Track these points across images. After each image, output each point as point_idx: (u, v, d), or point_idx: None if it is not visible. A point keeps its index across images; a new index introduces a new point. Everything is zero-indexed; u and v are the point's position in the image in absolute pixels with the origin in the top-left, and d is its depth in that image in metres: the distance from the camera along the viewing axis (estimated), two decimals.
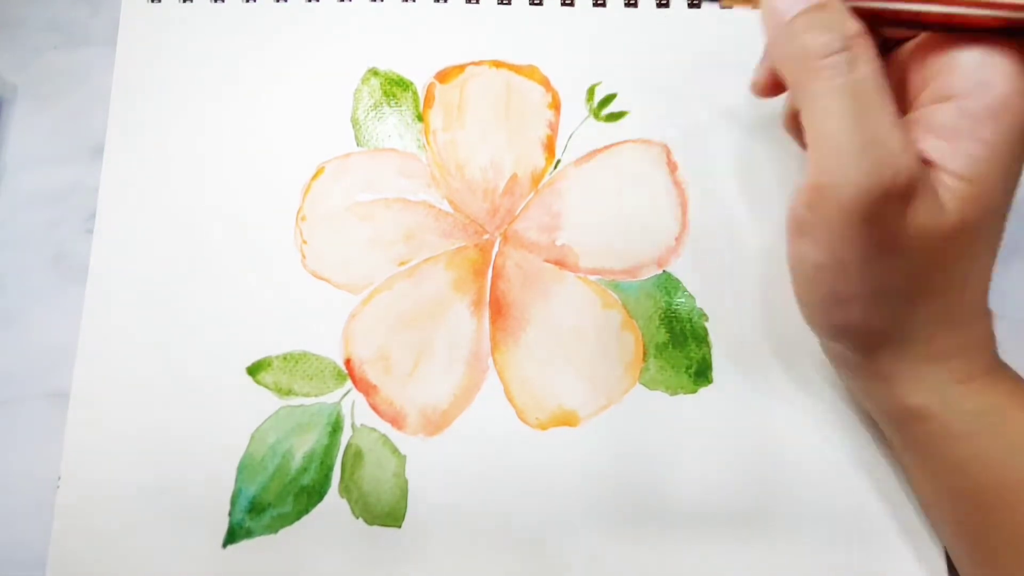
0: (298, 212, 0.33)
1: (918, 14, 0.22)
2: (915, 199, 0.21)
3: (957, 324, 0.25)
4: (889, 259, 0.23)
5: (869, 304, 0.24)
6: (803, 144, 0.25)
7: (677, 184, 0.33)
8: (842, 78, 0.21)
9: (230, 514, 0.30)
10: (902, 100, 0.23)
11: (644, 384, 0.31)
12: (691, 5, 0.35)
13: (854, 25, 0.22)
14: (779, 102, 0.29)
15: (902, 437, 0.27)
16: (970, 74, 0.22)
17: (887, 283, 0.23)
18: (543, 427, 0.30)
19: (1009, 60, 0.21)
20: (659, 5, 0.35)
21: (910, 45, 0.24)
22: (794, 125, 0.28)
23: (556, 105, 0.34)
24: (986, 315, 0.26)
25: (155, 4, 0.35)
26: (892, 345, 0.25)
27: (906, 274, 0.23)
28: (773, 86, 0.27)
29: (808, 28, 0.22)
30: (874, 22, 0.22)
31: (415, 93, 0.34)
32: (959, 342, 0.25)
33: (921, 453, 0.27)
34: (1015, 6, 0.20)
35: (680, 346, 0.31)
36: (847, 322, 0.25)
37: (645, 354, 0.31)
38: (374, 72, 0.34)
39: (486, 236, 0.32)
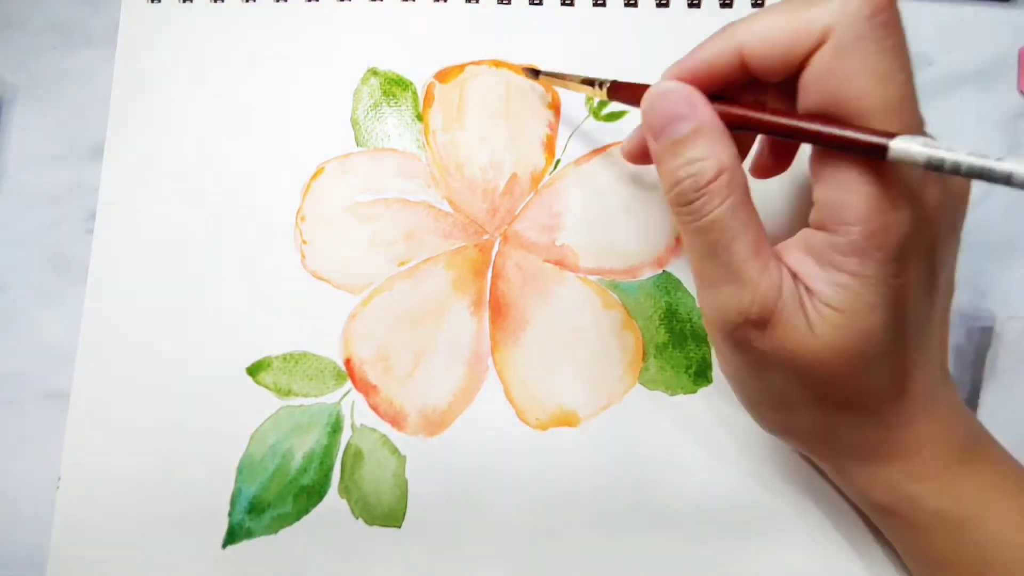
0: (298, 212, 0.33)
1: (787, 126, 0.22)
2: (774, 324, 0.22)
3: (895, 430, 0.24)
4: (771, 376, 0.24)
5: (781, 412, 0.25)
6: None
7: None
8: (695, 221, 0.23)
9: (230, 514, 0.30)
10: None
11: (644, 384, 0.31)
12: (691, 5, 0.35)
13: (713, 167, 0.22)
14: None
15: (881, 526, 0.28)
16: (836, 205, 0.21)
17: (785, 394, 0.24)
18: (543, 427, 0.30)
19: (868, 193, 0.21)
20: (659, 5, 0.35)
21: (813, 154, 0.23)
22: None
23: (556, 105, 0.34)
24: (938, 415, 0.25)
25: (155, 4, 0.35)
26: (829, 447, 0.26)
27: (799, 387, 0.23)
28: (641, 156, 0.28)
29: (672, 164, 0.23)
30: (752, 129, 0.23)
31: (415, 93, 0.34)
32: (901, 446, 0.24)
33: (899, 543, 0.27)
34: (867, 133, 0.20)
35: (680, 346, 0.31)
36: (775, 426, 0.26)
37: (645, 354, 0.31)
38: (374, 72, 0.34)
39: (486, 236, 0.32)
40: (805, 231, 0.23)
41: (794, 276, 0.23)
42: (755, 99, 0.25)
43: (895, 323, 0.22)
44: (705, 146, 0.22)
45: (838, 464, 0.26)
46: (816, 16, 0.21)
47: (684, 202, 0.23)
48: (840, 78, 0.21)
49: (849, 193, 0.21)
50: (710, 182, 0.22)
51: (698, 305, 0.25)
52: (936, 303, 0.24)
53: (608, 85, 0.28)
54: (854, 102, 0.20)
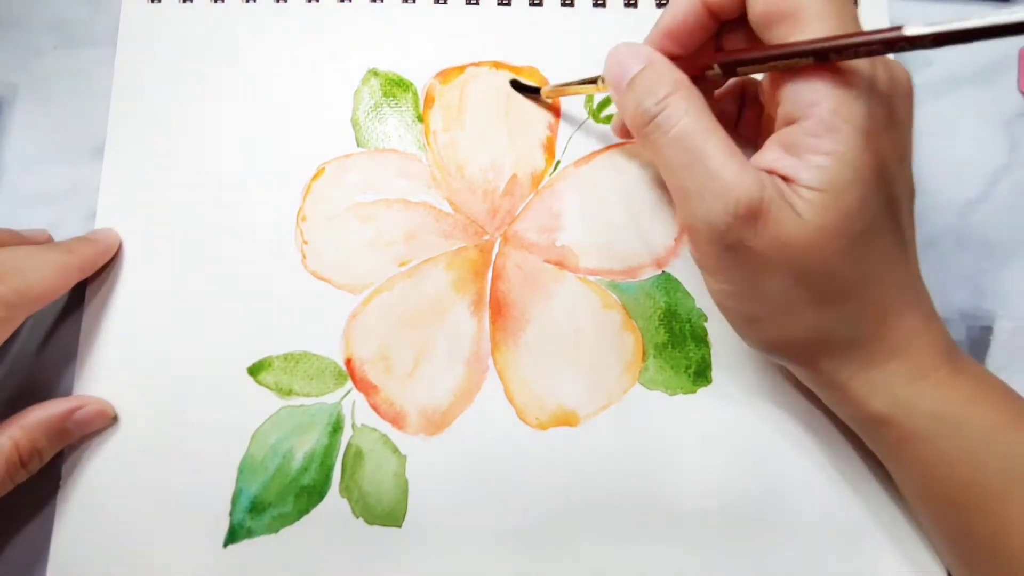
0: (299, 212, 0.33)
1: (746, 59, 0.24)
2: (764, 217, 0.23)
3: (885, 323, 0.25)
4: (768, 279, 0.24)
5: (780, 319, 0.25)
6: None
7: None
8: (665, 136, 0.24)
9: (231, 514, 0.30)
10: (771, 123, 0.26)
11: (643, 384, 0.31)
12: None
13: (668, 84, 0.24)
14: None
15: (873, 442, 0.28)
16: (803, 99, 0.23)
17: (783, 297, 0.24)
18: (543, 427, 0.30)
19: (830, 82, 0.23)
20: (659, 5, 0.35)
21: (766, 80, 0.27)
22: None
23: (556, 107, 0.34)
24: (921, 311, 0.26)
25: (155, 4, 0.35)
26: (827, 354, 0.26)
27: (795, 285, 0.24)
28: (626, 129, 0.29)
29: (633, 100, 0.25)
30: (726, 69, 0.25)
31: (415, 94, 0.34)
32: (897, 341, 0.25)
33: (892, 457, 0.27)
34: (818, 41, 0.22)
35: (679, 346, 0.31)
36: (769, 339, 0.26)
37: (644, 354, 0.31)
38: (374, 73, 0.34)
39: (486, 237, 0.32)
40: (773, 136, 0.25)
41: (770, 174, 0.24)
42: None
43: (874, 198, 0.24)
44: (657, 73, 0.25)
45: (834, 374, 0.26)
46: None
47: (649, 119, 0.24)
48: None
49: (814, 84, 0.23)
50: (668, 95, 0.24)
51: (680, 225, 0.26)
52: (904, 192, 0.25)
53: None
54: (796, 12, 0.23)
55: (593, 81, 0.29)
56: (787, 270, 0.24)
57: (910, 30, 0.21)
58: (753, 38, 0.26)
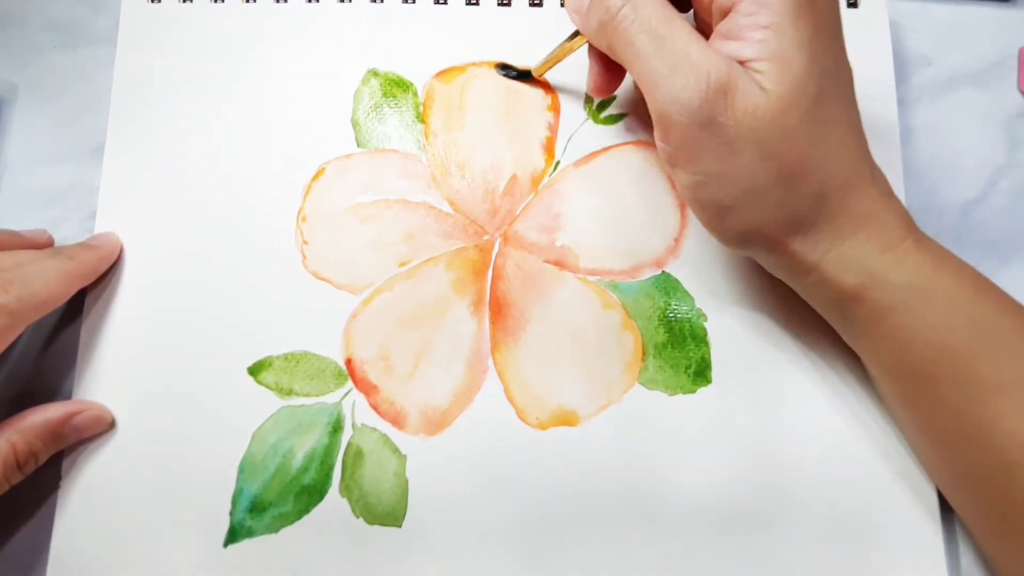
0: (299, 213, 0.33)
1: None
2: (734, 91, 0.24)
3: (848, 195, 0.26)
4: (738, 153, 0.25)
5: (751, 202, 0.26)
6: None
7: (676, 185, 0.33)
8: (632, 23, 0.25)
9: (231, 514, 0.30)
10: (709, 27, 0.27)
11: (643, 384, 0.31)
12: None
13: None
14: None
15: (846, 327, 0.28)
16: None
17: (752, 176, 0.25)
18: (543, 427, 0.30)
19: None
20: None
21: None
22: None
23: (555, 107, 0.34)
24: (879, 186, 0.27)
25: (155, 4, 0.35)
26: (799, 234, 0.26)
27: (763, 159, 0.25)
28: (607, 83, 0.31)
29: (598, 3, 0.26)
30: None
31: (415, 94, 0.34)
32: (861, 212, 0.26)
33: (864, 333, 0.28)
34: None
35: (679, 346, 0.31)
36: (742, 226, 0.27)
37: (644, 354, 0.31)
38: (374, 73, 0.34)
39: (486, 237, 0.32)
40: (715, 31, 0.26)
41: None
42: None
43: (819, 62, 0.25)
44: None
45: (807, 254, 0.26)
46: None
47: (615, 11, 0.26)
48: None
49: None
50: None
51: (652, 114, 0.26)
52: (844, 66, 0.27)
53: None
54: None
55: (572, 37, 0.30)
56: (756, 144, 0.25)
57: None
58: None
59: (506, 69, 0.34)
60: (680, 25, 0.25)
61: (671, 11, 0.26)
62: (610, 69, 0.30)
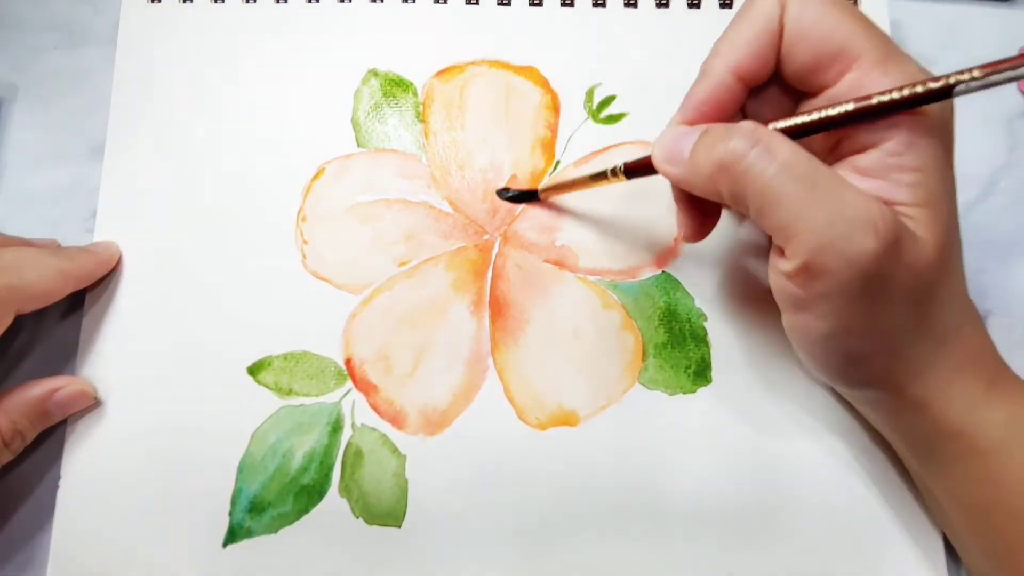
0: (299, 212, 0.33)
1: (826, 120, 0.24)
2: (901, 243, 0.22)
3: (963, 332, 0.25)
4: (894, 305, 0.23)
5: (887, 352, 0.24)
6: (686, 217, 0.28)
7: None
8: (772, 167, 0.22)
9: (230, 514, 0.30)
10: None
11: (643, 384, 0.31)
12: (691, 5, 0.35)
13: (749, 126, 0.23)
14: None
15: (931, 461, 0.27)
16: (880, 126, 0.23)
17: (900, 331, 0.24)
18: (543, 427, 0.30)
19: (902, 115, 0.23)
20: (659, 5, 0.35)
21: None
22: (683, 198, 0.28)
23: (555, 106, 0.34)
24: (977, 318, 0.26)
25: (155, 4, 0.35)
26: (919, 375, 0.25)
27: (914, 313, 0.24)
28: (705, 227, 0.28)
29: (712, 148, 0.23)
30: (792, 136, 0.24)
31: (415, 94, 0.34)
32: (969, 352, 0.25)
33: (949, 472, 0.26)
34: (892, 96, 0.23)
35: (679, 346, 0.31)
36: (869, 375, 0.25)
37: (644, 354, 0.31)
38: (374, 73, 0.34)
39: (486, 237, 0.32)
40: (841, 164, 0.24)
41: None
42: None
43: (955, 208, 0.24)
44: (726, 126, 0.24)
45: (921, 392, 0.25)
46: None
47: (741, 156, 0.23)
48: (816, 27, 0.24)
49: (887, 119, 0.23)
50: (756, 129, 0.23)
51: (799, 263, 0.22)
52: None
53: (623, 168, 0.28)
54: (841, 43, 0.24)
55: (602, 175, 0.29)
56: (909, 297, 0.23)
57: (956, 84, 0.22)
58: (776, 101, 0.26)
59: (507, 194, 0.33)
60: (825, 167, 0.22)
61: (808, 153, 0.23)
62: (706, 213, 0.28)
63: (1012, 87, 0.35)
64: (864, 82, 0.24)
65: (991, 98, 0.35)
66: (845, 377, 0.26)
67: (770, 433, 0.30)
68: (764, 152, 0.22)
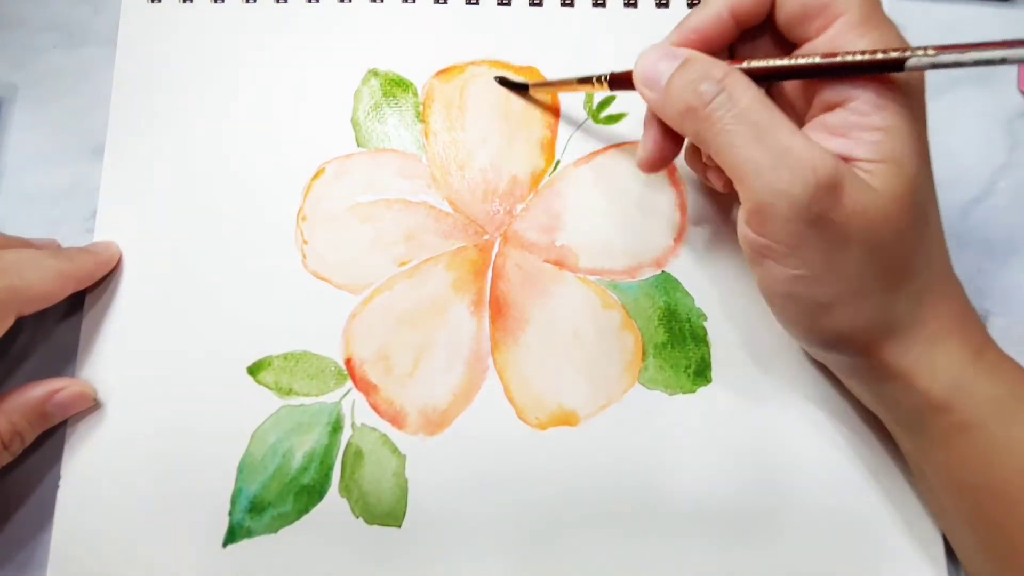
0: (299, 212, 0.33)
1: (793, 68, 0.25)
2: (844, 187, 0.23)
3: (940, 299, 0.26)
4: (845, 251, 0.24)
5: (852, 302, 0.25)
6: (704, 178, 0.30)
7: (676, 185, 0.33)
8: (730, 113, 0.24)
9: (230, 514, 0.30)
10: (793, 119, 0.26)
11: (643, 384, 0.31)
12: (690, 5, 0.35)
13: (721, 67, 0.25)
14: None
15: (918, 438, 0.27)
16: (848, 85, 0.24)
17: (857, 276, 0.24)
18: (543, 427, 0.30)
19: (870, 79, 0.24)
20: (659, 5, 0.35)
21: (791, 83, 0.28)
22: (695, 158, 0.30)
23: (555, 107, 0.34)
24: (961, 291, 0.26)
25: (155, 4, 0.35)
26: (893, 338, 0.25)
27: (871, 261, 0.24)
28: (660, 159, 0.29)
29: (684, 86, 0.25)
30: (758, 79, 0.25)
31: (415, 94, 0.34)
32: (952, 317, 0.26)
33: (939, 450, 0.26)
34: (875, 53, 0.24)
35: (679, 346, 0.31)
36: (838, 327, 0.26)
37: (644, 354, 0.31)
38: (374, 73, 0.34)
39: (486, 237, 0.32)
40: (814, 122, 0.25)
41: None
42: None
43: (925, 169, 0.25)
44: (704, 61, 0.25)
45: (899, 359, 0.25)
46: None
47: (709, 99, 0.24)
48: None
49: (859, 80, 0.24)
50: (726, 75, 0.24)
51: (749, 206, 0.24)
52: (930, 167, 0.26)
53: (607, 77, 0.29)
54: (827, 6, 0.24)
55: (587, 80, 0.30)
56: (864, 244, 0.24)
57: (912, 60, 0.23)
58: (767, 52, 0.27)
59: (504, 81, 0.34)
60: (780, 116, 0.24)
61: (768, 101, 0.24)
62: (668, 143, 0.28)
63: (1012, 87, 0.35)
64: (839, 41, 0.24)
65: (991, 98, 0.35)
66: (815, 331, 0.26)
67: (770, 433, 0.30)
68: (727, 99, 0.24)
